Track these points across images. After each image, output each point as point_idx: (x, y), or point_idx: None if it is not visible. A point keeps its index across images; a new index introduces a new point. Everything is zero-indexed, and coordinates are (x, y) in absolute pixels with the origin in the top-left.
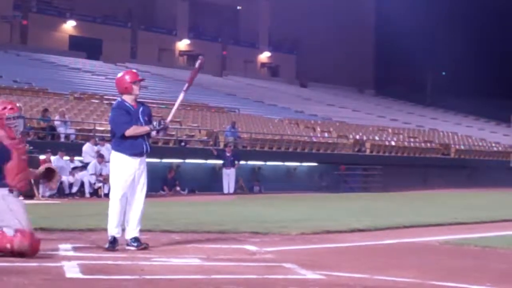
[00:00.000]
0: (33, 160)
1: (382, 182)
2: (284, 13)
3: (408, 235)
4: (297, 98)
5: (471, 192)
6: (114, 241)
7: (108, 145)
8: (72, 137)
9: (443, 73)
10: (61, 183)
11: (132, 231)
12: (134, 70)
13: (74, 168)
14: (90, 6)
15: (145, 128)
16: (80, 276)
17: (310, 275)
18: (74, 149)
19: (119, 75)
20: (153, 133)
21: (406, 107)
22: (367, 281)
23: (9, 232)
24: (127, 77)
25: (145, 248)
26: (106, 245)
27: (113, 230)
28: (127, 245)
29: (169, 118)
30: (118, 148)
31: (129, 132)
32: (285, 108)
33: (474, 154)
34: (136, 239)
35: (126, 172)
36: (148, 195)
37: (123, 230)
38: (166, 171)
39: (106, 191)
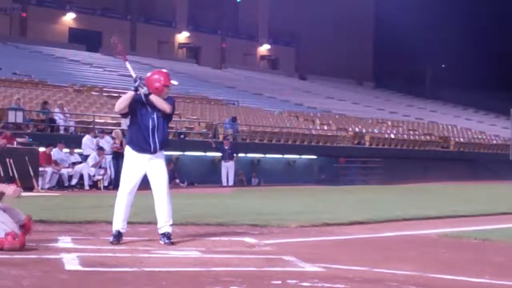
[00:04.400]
0: (33, 152)
1: (381, 175)
2: (283, 6)
3: (407, 228)
4: (296, 91)
5: (470, 185)
6: (118, 235)
7: (107, 138)
8: (72, 129)
9: (443, 66)
10: (61, 175)
11: (162, 227)
12: (165, 71)
13: (74, 163)
14: None
15: (127, 94)
16: (80, 268)
17: (309, 267)
18: (73, 142)
19: (150, 74)
20: (141, 91)
21: (405, 99)
22: (366, 274)
23: None
24: (161, 79)
25: (172, 244)
26: (111, 239)
27: (118, 224)
28: (160, 239)
29: (133, 74)
30: (127, 142)
31: (117, 105)
32: (284, 100)
33: (474, 147)
34: (164, 235)
35: (132, 167)
36: (147, 188)
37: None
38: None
39: (105, 184)
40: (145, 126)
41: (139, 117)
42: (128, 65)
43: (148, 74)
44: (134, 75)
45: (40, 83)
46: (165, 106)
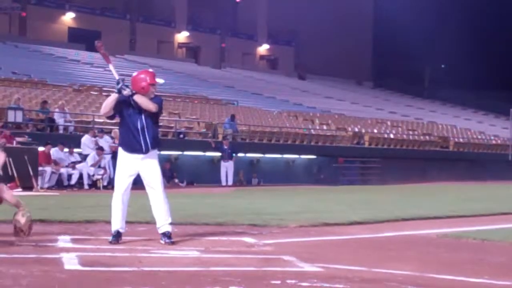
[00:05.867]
0: (32, 151)
1: (380, 175)
2: (282, 5)
3: (407, 228)
4: (295, 91)
5: (469, 185)
6: (117, 235)
7: (106, 137)
8: (71, 129)
9: (442, 66)
10: (60, 175)
11: (161, 227)
12: (151, 70)
13: (73, 162)
14: None
15: (111, 96)
16: (79, 267)
17: (308, 267)
18: (73, 141)
19: (136, 73)
20: (124, 92)
21: (404, 99)
22: (365, 274)
23: None
24: (146, 78)
25: (172, 243)
26: (110, 239)
27: (117, 224)
28: (161, 239)
29: (116, 76)
30: (119, 143)
31: (102, 109)
32: (283, 100)
33: (473, 147)
34: (164, 235)
35: (124, 167)
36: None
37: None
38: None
39: (105, 183)
40: (134, 126)
41: (127, 118)
42: (111, 67)
43: (134, 74)
44: (117, 77)
45: (40, 82)
46: (151, 106)
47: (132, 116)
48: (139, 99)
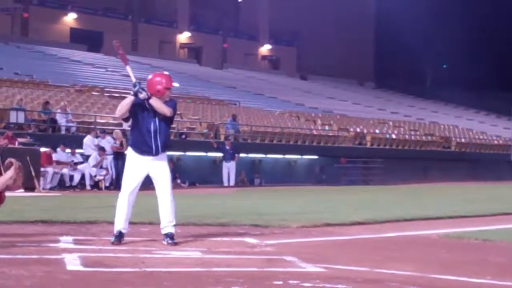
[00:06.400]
0: (34, 152)
1: (382, 175)
2: (284, 6)
3: (408, 228)
4: (297, 91)
5: (471, 185)
6: (119, 235)
7: (108, 138)
8: (73, 129)
9: (444, 66)
10: (62, 175)
11: (165, 228)
12: (167, 73)
13: (75, 163)
14: None
15: (127, 99)
16: (81, 268)
17: (310, 268)
18: (75, 142)
19: (152, 76)
20: (140, 96)
21: (406, 100)
22: (367, 274)
23: None
24: (162, 81)
25: (175, 244)
26: (112, 239)
27: (119, 224)
28: (163, 240)
29: (133, 79)
30: (130, 143)
31: (117, 111)
32: (285, 101)
33: (475, 147)
34: (167, 235)
35: (133, 169)
36: (148, 188)
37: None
38: None
39: (107, 184)
40: (147, 129)
41: (140, 120)
42: (128, 69)
43: (150, 76)
44: (134, 80)
45: (42, 83)
46: (165, 110)
47: (146, 119)
48: (155, 103)
